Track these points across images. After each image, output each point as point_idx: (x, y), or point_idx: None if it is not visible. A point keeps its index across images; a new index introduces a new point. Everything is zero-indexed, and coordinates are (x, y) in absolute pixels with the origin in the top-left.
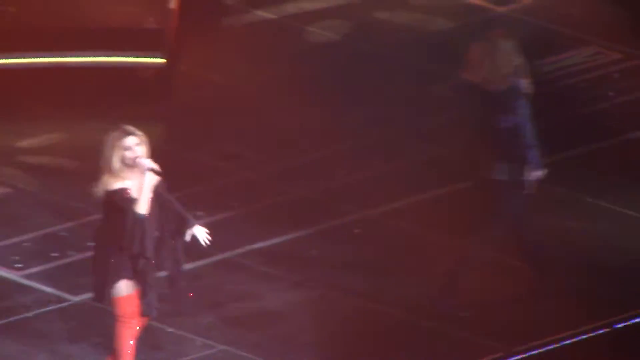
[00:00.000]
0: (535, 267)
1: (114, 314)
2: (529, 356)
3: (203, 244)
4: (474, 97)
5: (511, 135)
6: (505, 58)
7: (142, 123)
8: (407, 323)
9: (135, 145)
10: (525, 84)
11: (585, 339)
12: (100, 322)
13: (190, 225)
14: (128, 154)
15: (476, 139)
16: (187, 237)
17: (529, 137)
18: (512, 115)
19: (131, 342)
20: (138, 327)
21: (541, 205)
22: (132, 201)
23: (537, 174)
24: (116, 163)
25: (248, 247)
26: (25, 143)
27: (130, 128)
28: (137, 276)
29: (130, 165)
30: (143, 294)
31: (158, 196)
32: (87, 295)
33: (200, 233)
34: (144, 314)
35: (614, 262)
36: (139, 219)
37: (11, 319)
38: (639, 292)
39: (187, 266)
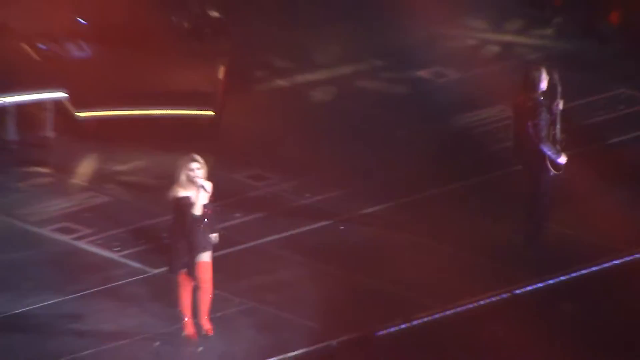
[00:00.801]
0: (529, 242)
1: (178, 281)
2: (455, 312)
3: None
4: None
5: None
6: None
7: (199, 154)
8: (371, 288)
9: (196, 168)
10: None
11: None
12: (170, 287)
13: (213, 229)
14: (191, 173)
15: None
16: (212, 238)
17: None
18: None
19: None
20: (201, 289)
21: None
22: (191, 205)
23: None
24: (183, 178)
25: (270, 238)
26: (120, 167)
27: (196, 156)
28: (192, 254)
29: (192, 181)
30: (200, 267)
31: (207, 204)
32: (162, 269)
33: (214, 238)
34: (202, 280)
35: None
36: (195, 217)
37: (111, 284)
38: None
39: (230, 250)
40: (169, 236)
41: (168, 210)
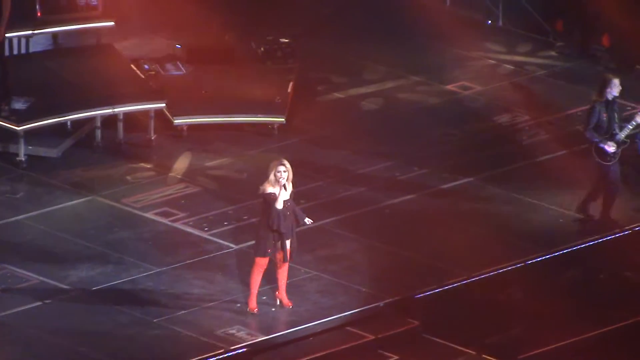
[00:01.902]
0: (585, 216)
1: (256, 262)
2: (479, 279)
3: (307, 223)
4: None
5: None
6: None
7: (273, 152)
8: (410, 259)
9: (283, 171)
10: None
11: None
12: (249, 261)
13: (302, 218)
14: (278, 174)
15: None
16: (307, 221)
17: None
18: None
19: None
20: (280, 269)
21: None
22: (275, 200)
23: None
24: (272, 178)
25: (328, 219)
26: (209, 163)
27: (285, 161)
28: (282, 242)
29: (278, 181)
30: (283, 251)
31: (288, 199)
32: (242, 245)
33: (307, 220)
34: (283, 260)
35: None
36: (277, 210)
37: (201, 257)
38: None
39: (297, 229)
40: (257, 225)
41: (248, 198)
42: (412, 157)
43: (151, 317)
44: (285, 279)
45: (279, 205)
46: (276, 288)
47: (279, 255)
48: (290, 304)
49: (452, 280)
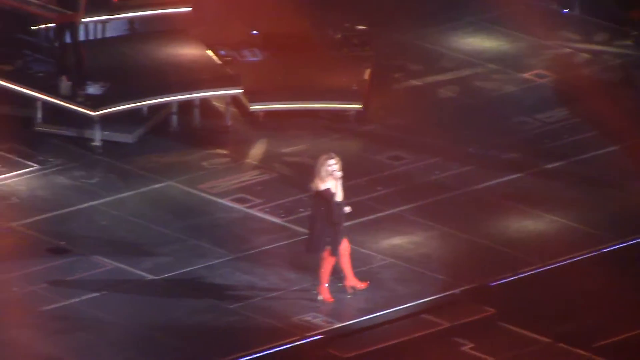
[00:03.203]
0: None
1: (322, 257)
2: (554, 267)
3: (347, 211)
4: None
5: None
6: None
7: (348, 142)
8: (486, 247)
9: (334, 164)
10: None
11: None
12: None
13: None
14: (329, 168)
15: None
16: (346, 209)
17: None
18: None
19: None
20: (343, 258)
21: None
22: (333, 195)
23: None
24: (323, 173)
25: (405, 207)
26: (284, 150)
27: (333, 154)
28: (335, 235)
29: (331, 175)
30: (337, 243)
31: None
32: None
33: (346, 209)
34: (333, 254)
35: None
36: (338, 204)
37: (277, 244)
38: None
39: (373, 216)
40: (311, 223)
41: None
42: (487, 144)
43: (227, 303)
44: (350, 265)
45: (338, 197)
46: (344, 277)
47: (339, 247)
48: (365, 284)
49: (528, 268)
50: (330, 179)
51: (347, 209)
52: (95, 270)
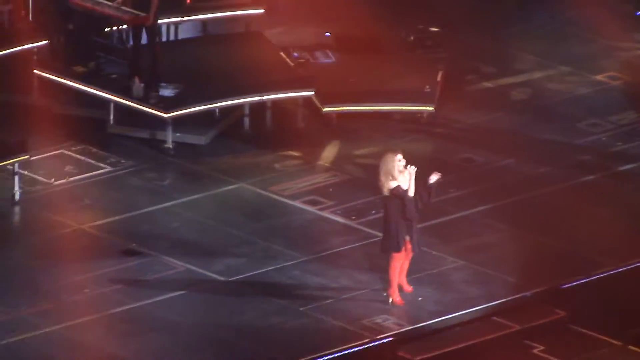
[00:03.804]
0: None
1: (395, 257)
2: (626, 269)
3: (434, 179)
4: None
5: None
6: None
7: (419, 144)
8: (557, 249)
9: (400, 160)
10: None
11: None
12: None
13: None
14: (399, 164)
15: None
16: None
17: None
18: None
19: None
20: (409, 259)
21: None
22: (406, 191)
23: None
24: (394, 172)
25: (476, 209)
26: (357, 152)
27: (397, 151)
28: (410, 231)
29: (400, 171)
30: (413, 240)
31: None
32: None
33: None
34: (412, 250)
35: None
36: (411, 200)
37: (348, 246)
38: None
39: (445, 218)
40: (386, 224)
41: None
42: (560, 147)
43: (297, 305)
44: (407, 266)
45: (411, 193)
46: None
47: (408, 245)
48: (411, 289)
49: (600, 271)
50: (400, 175)
51: (435, 177)
52: (166, 272)
